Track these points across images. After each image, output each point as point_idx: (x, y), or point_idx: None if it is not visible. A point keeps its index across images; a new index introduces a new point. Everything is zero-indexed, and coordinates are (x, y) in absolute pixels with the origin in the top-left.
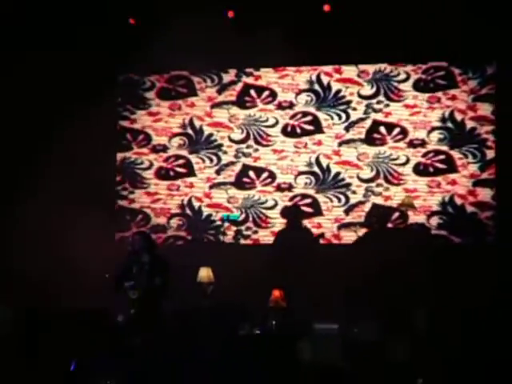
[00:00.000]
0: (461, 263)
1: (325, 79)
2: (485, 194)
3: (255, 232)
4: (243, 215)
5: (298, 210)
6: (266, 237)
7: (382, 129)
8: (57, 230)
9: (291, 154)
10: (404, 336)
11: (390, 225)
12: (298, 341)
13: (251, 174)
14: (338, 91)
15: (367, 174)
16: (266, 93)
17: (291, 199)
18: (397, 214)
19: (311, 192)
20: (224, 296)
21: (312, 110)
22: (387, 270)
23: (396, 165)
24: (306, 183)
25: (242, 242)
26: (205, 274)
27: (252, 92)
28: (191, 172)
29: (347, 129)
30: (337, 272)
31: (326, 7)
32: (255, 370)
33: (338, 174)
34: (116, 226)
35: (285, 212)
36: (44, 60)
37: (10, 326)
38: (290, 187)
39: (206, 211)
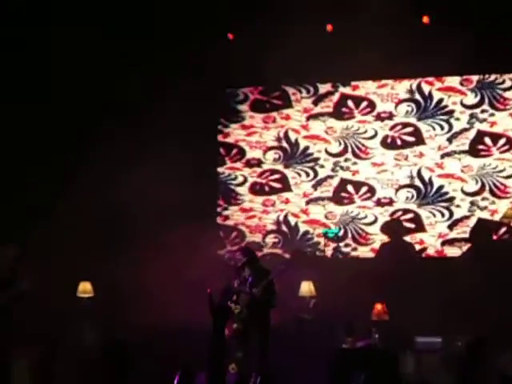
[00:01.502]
0: None
1: (426, 88)
2: None
3: (354, 249)
4: (342, 231)
5: (400, 224)
6: (365, 253)
7: (487, 139)
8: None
9: (391, 166)
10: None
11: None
12: (400, 354)
13: (350, 188)
14: (440, 100)
15: (472, 187)
16: (365, 103)
17: (392, 214)
18: (504, 229)
19: (413, 207)
20: (326, 310)
21: (413, 120)
22: (493, 282)
23: (503, 177)
24: (407, 197)
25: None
26: (306, 287)
27: (349, 103)
28: (287, 187)
29: (450, 140)
30: (440, 285)
31: (425, 19)
32: (357, 382)
33: (441, 187)
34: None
35: (386, 226)
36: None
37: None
38: (390, 202)
39: (302, 228)
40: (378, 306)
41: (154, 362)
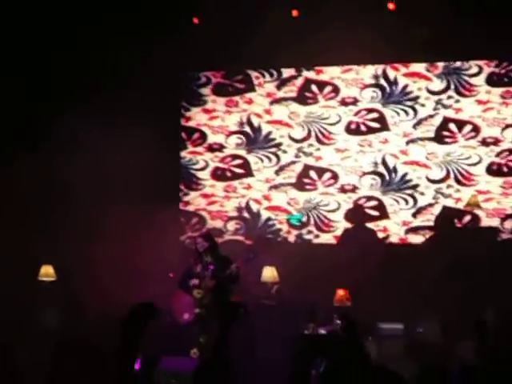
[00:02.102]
0: None
1: (391, 73)
2: None
3: (317, 236)
4: (305, 217)
5: (363, 211)
6: (328, 241)
7: (453, 126)
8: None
9: (355, 153)
10: (471, 337)
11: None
12: (362, 340)
13: (313, 174)
14: (406, 86)
15: (437, 174)
16: (329, 88)
17: (355, 201)
18: (468, 217)
19: (377, 194)
20: (289, 296)
21: (378, 106)
22: (455, 269)
23: (468, 165)
24: (371, 184)
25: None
26: (269, 273)
27: (313, 87)
28: (249, 172)
29: (415, 126)
30: (403, 272)
31: (391, 5)
32: (319, 369)
33: (405, 174)
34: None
35: (349, 213)
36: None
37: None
38: (354, 189)
39: (264, 214)
40: (340, 292)
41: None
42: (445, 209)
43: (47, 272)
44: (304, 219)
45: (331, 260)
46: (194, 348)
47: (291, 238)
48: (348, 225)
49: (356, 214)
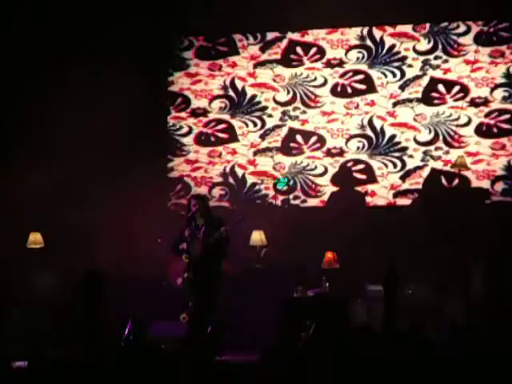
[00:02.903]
0: None
1: (377, 34)
2: None
3: (304, 201)
4: (291, 181)
5: (350, 173)
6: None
7: (441, 87)
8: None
9: (342, 115)
10: (460, 296)
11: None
12: (350, 302)
13: (299, 138)
14: (392, 47)
15: (425, 136)
16: (314, 50)
17: (342, 165)
18: (457, 180)
19: (364, 157)
20: (277, 259)
21: (364, 67)
22: (443, 230)
23: (456, 126)
24: (358, 147)
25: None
26: (257, 237)
27: (298, 49)
28: (234, 137)
29: (402, 87)
30: (391, 234)
31: None
32: (307, 331)
33: (393, 136)
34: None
35: (336, 177)
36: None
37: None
38: (340, 152)
39: (250, 179)
40: (329, 255)
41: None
42: (432, 171)
43: (36, 239)
44: (292, 182)
45: (318, 223)
46: (184, 313)
47: (278, 204)
48: (335, 189)
49: (343, 177)
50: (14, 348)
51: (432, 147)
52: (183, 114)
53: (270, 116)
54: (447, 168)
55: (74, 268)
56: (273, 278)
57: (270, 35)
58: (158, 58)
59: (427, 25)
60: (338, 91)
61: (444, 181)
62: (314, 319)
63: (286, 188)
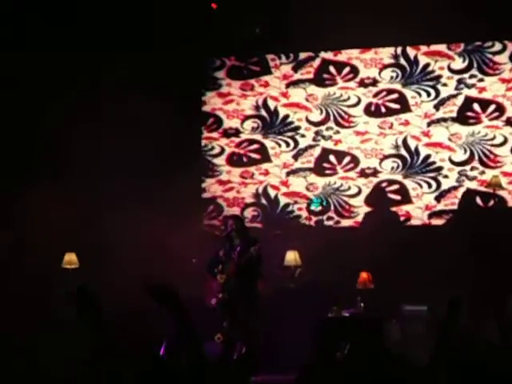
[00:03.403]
0: None
1: (411, 52)
2: None
3: (337, 222)
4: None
5: (384, 193)
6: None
7: (476, 106)
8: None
9: (375, 135)
10: (495, 320)
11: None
12: (386, 323)
13: (332, 158)
14: (426, 65)
15: (460, 156)
16: (347, 69)
17: (376, 185)
18: (493, 201)
19: (398, 177)
20: (312, 279)
21: (398, 86)
22: (478, 250)
23: (492, 145)
24: (392, 168)
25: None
26: (292, 257)
27: (331, 68)
28: (266, 158)
29: (437, 107)
30: (425, 254)
31: None
32: (343, 351)
33: (427, 156)
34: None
35: (370, 196)
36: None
37: None
38: (374, 172)
39: (283, 200)
40: (364, 275)
41: (138, 332)
42: (468, 190)
43: (70, 259)
44: (324, 203)
45: (353, 243)
46: (218, 333)
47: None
48: (369, 209)
49: (378, 198)
50: None
51: (467, 167)
52: (215, 135)
53: (302, 136)
54: (482, 188)
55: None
56: (307, 299)
57: (303, 54)
58: (190, 79)
59: (462, 43)
60: (372, 111)
61: (479, 201)
62: (349, 339)
63: (319, 209)
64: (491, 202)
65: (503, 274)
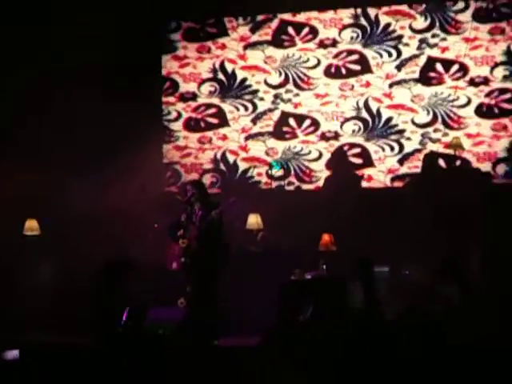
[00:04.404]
0: None
1: (372, 12)
2: None
3: (298, 187)
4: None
5: (345, 157)
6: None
7: (439, 66)
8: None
9: (336, 98)
10: (455, 281)
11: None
12: (348, 284)
13: (292, 122)
14: (388, 25)
15: (423, 118)
16: (306, 30)
17: (337, 149)
18: (457, 162)
19: (360, 140)
20: (274, 242)
21: (358, 47)
22: (440, 211)
23: (456, 107)
24: (353, 131)
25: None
26: (254, 220)
27: (290, 29)
28: (224, 122)
29: (399, 67)
30: (388, 215)
31: None
32: (306, 314)
33: (389, 119)
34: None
35: (331, 161)
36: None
37: None
38: (335, 136)
39: (242, 166)
40: (326, 237)
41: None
42: (430, 152)
43: (32, 226)
44: (285, 166)
45: (314, 206)
46: (181, 298)
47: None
48: (329, 174)
49: (339, 162)
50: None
51: (430, 129)
52: (172, 99)
53: (261, 99)
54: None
55: (73, 255)
56: (270, 262)
57: (261, 16)
58: (146, 41)
59: (424, 1)
60: (332, 72)
61: (443, 163)
62: (311, 301)
63: (280, 173)
64: (454, 164)
65: (464, 235)
